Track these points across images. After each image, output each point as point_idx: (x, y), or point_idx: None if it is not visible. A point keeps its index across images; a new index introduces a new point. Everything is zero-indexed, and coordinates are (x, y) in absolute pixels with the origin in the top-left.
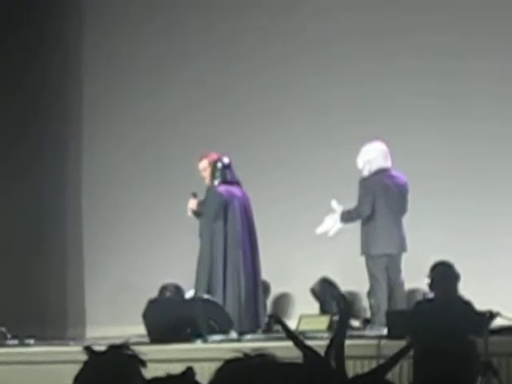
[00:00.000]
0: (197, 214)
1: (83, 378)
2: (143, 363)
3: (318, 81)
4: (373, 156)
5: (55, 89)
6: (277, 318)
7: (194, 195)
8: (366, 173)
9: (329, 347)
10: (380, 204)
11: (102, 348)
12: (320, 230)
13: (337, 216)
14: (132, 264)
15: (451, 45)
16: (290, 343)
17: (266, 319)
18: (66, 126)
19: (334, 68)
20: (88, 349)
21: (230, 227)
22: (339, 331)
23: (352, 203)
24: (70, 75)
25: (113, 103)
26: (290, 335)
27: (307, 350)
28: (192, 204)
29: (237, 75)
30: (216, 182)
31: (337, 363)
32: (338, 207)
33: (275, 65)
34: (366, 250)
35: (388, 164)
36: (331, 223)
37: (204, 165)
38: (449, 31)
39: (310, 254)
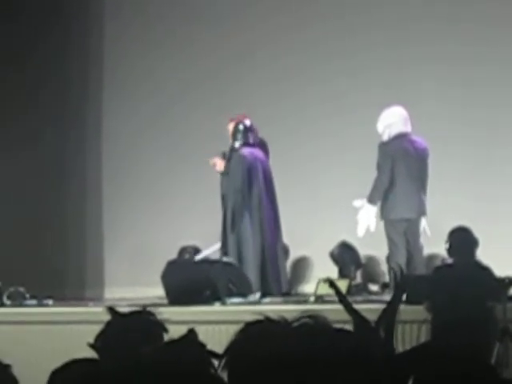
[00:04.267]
0: (223, 173)
1: (104, 338)
2: (165, 329)
3: (336, 46)
4: (392, 121)
5: (75, 52)
6: (331, 282)
7: (224, 155)
8: (385, 137)
9: (380, 318)
10: (399, 169)
11: (122, 309)
12: (360, 231)
13: (367, 210)
14: (151, 225)
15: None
16: (308, 306)
17: (287, 283)
18: (86, 91)
19: (352, 35)
20: (111, 310)
21: (255, 190)
22: (393, 303)
23: (371, 168)
24: (91, 37)
25: (132, 68)
26: (344, 301)
27: (358, 318)
28: (220, 165)
29: (253, 42)
30: (237, 144)
31: (386, 334)
32: (361, 202)
33: (292, 30)
34: (385, 215)
35: (408, 129)
36: (366, 219)
37: (231, 127)
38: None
39: (328, 218)
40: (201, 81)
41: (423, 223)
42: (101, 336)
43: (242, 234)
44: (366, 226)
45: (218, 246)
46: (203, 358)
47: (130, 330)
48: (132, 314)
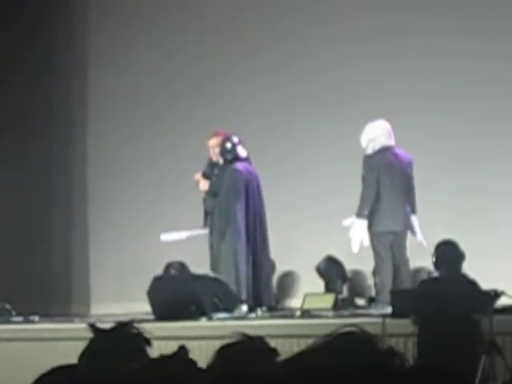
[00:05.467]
0: (211, 193)
1: (88, 356)
2: (148, 342)
3: (324, 60)
4: (376, 134)
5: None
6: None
7: (205, 175)
8: (369, 151)
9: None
10: (384, 181)
11: (108, 325)
12: (355, 247)
13: (357, 225)
14: (137, 241)
15: (455, 25)
16: (295, 321)
17: (274, 297)
18: (70, 108)
19: (339, 48)
20: (92, 326)
21: (250, 205)
22: None
23: (357, 182)
24: (74, 51)
25: (117, 82)
26: None
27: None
28: (204, 185)
29: (240, 54)
30: (228, 160)
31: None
32: (350, 220)
33: (279, 44)
34: (370, 228)
35: (391, 142)
36: (358, 234)
37: (216, 141)
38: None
39: (315, 233)
40: (188, 92)
41: (419, 236)
42: (84, 353)
43: (230, 248)
44: (359, 242)
45: (191, 232)
46: (193, 375)
47: (112, 345)
48: (113, 328)
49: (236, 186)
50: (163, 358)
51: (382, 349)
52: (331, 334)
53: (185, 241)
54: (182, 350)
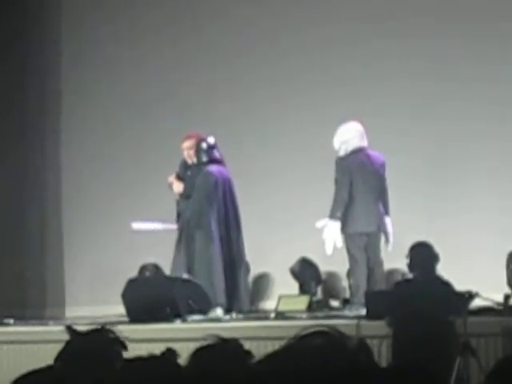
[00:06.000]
0: (184, 195)
1: (64, 358)
2: (125, 346)
3: (295, 63)
4: (349, 136)
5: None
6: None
7: (179, 177)
8: (342, 153)
9: None
10: (357, 183)
11: (84, 328)
12: (328, 249)
13: (330, 227)
14: (111, 244)
15: (430, 28)
16: (269, 323)
17: (248, 299)
18: (46, 103)
19: (314, 50)
20: (70, 329)
21: (221, 207)
22: None
23: (331, 185)
24: (49, 56)
25: (93, 81)
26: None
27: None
28: (178, 187)
29: (219, 56)
30: (203, 162)
31: None
32: (323, 222)
33: (255, 46)
34: (344, 230)
35: (364, 143)
36: (331, 236)
37: (190, 144)
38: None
39: (289, 235)
40: (163, 95)
41: (390, 238)
42: (60, 355)
43: (205, 251)
44: (332, 243)
45: (162, 224)
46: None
47: (88, 349)
48: (90, 332)
49: (208, 189)
50: (151, 358)
51: (353, 346)
52: (302, 333)
53: (159, 243)
54: (169, 352)
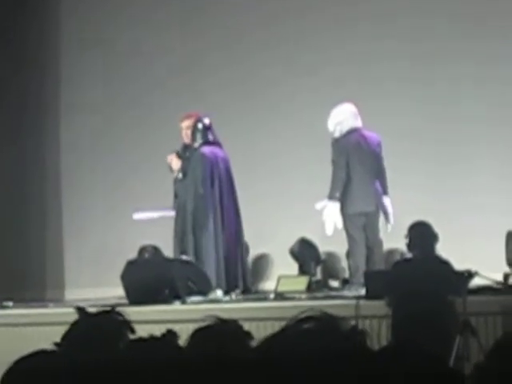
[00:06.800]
0: (178, 172)
1: (72, 337)
2: (132, 330)
3: (293, 46)
4: (343, 117)
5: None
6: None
7: (178, 155)
8: (337, 134)
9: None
10: (354, 163)
11: (93, 310)
12: (328, 230)
13: (330, 207)
14: (110, 226)
15: (425, 7)
16: (268, 304)
17: (248, 280)
18: (45, 88)
19: (310, 33)
20: (80, 309)
21: (217, 189)
22: None
23: (328, 164)
24: (47, 49)
25: (91, 68)
26: None
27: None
28: (177, 164)
29: (208, 43)
30: (198, 144)
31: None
32: (323, 203)
33: (246, 31)
34: (342, 210)
35: (358, 124)
36: (331, 217)
37: (189, 123)
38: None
39: (288, 215)
40: (158, 82)
41: (390, 219)
42: (68, 334)
43: (203, 232)
44: (333, 224)
45: (164, 212)
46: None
47: (98, 329)
48: (100, 313)
49: (202, 171)
50: (152, 339)
51: (346, 330)
52: (294, 319)
53: (158, 225)
54: (170, 333)
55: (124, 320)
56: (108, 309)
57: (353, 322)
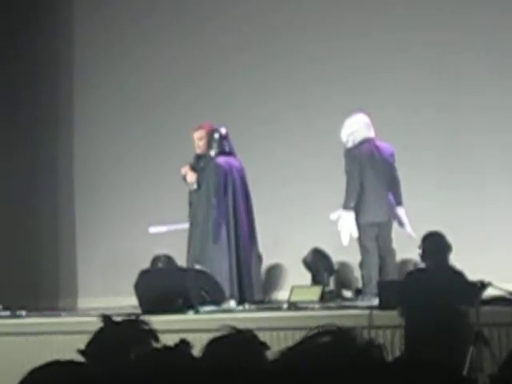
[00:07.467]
0: (197, 185)
1: (97, 345)
2: (157, 339)
3: (304, 55)
4: (355, 128)
5: (46, 65)
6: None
7: (192, 167)
8: (350, 144)
9: None
10: (367, 173)
11: (118, 318)
12: (344, 240)
13: (345, 217)
14: (124, 235)
15: (436, 17)
16: (282, 313)
17: (261, 290)
18: (57, 104)
19: (321, 42)
20: (105, 317)
21: (230, 199)
22: None
23: (342, 176)
24: (60, 50)
25: (105, 75)
26: None
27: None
28: (192, 177)
29: (229, 48)
30: (213, 153)
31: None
32: (338, 213)
33: (259, 41)
34: (356, 220)
35: (371, 134)
36: (347, 227)
37: (201, 134)
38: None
39: (302, 225)
40: (173, 89)
41: (408, 228)
42: (92, 342)
43: (216, 242)
44: (348, 234)
45: (179, 225)
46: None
47: (123, 338)
48: (125, 322)
49: (216, 182)
50: (163, 350)
51: (363, 343)
52: (310, 332)
53: (171, 234)
54: (183, 343)
55: (149, 329)
56: (133, 317)
57: (367, 334)
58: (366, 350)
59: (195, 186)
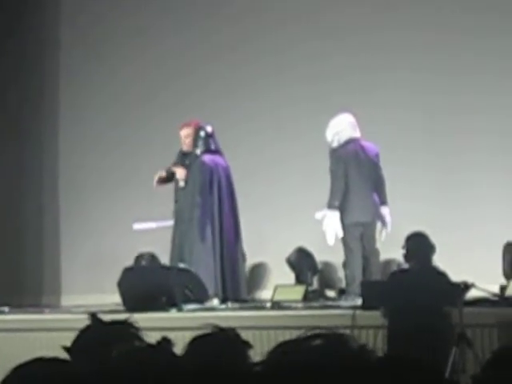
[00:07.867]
0: (185, 182)
1: (83, 342)
2: (142, 340)
3: (292, 55)
4: (341, 128)
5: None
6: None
7: (183, 165)
8: (335, 144)
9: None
10: (351, 173)
11: (82, 317)
12: (330, 240)
13: (330, 217)
14: (107, 232)
15: (425, 17)
16: (265, 313)
17: (245, 289)
18: (42, 102)
19: (309, 41)
20: (93, 316)
21: (216, 197)
22: None
23: (327, 175)
24: (47, 48)
25: (91, 73)
26: None
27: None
28: (182, 173)
29: (220, 45)
30: (199, 151)
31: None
32: (322, 213)
33: (250, 38)
34: (340, 220)
35: (357, 134)
36: (332, 226)
37: (187, 132)
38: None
39: (285, 225)
40: (160, 87)
41: (388, 228)
42: (78, 340)
43: (200, 241)
44: (334, 233)
45: (164, 222)
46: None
47: (109, 338)
48: (112, 322)
49: (201, 180)
50: (146, 348)
51: (355, 348)
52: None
53: (155, 232)
54: (165, 341)
55: (135, 332)
56: (122, 319)
57: (347, 331)
58: (359, 353)
59: (182, 183)
